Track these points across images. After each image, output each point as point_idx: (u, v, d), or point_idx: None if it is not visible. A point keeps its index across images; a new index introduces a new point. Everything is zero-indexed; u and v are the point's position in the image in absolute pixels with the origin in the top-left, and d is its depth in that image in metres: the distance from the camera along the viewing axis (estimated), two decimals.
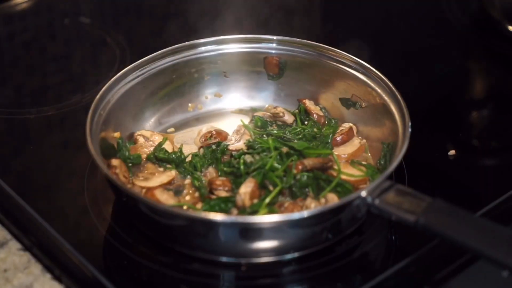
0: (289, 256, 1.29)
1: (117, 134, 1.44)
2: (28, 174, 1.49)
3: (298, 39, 1.53)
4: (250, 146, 1.42)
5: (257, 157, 1.38)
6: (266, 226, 1.22)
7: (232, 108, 1.59)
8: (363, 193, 1.22)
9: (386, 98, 1.42)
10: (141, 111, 1.51)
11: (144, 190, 1.37)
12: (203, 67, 1.56)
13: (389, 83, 1.42)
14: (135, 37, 1.88)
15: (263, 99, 1.59)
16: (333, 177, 1.36)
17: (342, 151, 1.46)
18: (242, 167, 1.37)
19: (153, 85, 1.52)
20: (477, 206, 1.39)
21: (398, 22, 1.98)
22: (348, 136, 1.47)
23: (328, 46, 1.51)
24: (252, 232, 1.24)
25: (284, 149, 1.39)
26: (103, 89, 1.42)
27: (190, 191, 1.39)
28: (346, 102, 1.52)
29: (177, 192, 1.38)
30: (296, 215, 1.21)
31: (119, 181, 1.30)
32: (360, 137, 1.49)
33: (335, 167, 1.39)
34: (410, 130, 1.32)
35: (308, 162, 1.37)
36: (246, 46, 1.56)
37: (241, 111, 1.58)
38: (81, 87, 1.72)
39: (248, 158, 1.38)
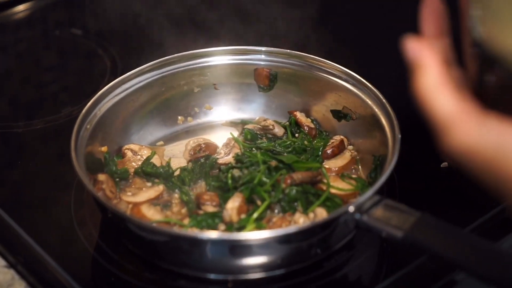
0: (277, 272, 1.26)
1: (104, 149, 1.42)
2: (14, 189, 1.48)
3: (287, 50, 1.52)
4: (238, 160, 1.40)
5: (245, 171, 1.36)
6: (252, 243, 1.20)
7: (222, 121, 1.58)
8: (351, 208, 1.20)
9: (376, 109, 1.40)
10: (129, 124, 1.50)
11: (130, 206, 1.35)
12: (192, 79, 1.54)
13: (379, 94, 1.40)
14: (127, 49, 1.86)
15: (253, 111, 1.57)
16: (322, 191, 1.34)
17: (333, 164, 1.44)
18: (230, 181, 1.35)
19: (142, 98, 1.50)
20: (469, 219, 1.36)
21: (387, 32, 1.94)
22: (339, 149, 1.45)
23: (317, 57, 1.49)
24: (238, 248, 1.22)
25: (273, 163, 1.38)
26: (90, 103, 1.40)
27: (178, 206, 1.37)
28: (337, 114, 1.50)
29: (165, 206, 1.36)
30: (282, 231, 1.19)
31: (104, 197, 1.28)
32: (351, 150, 1.46)
33: (325, 180, 1.37)
34: (399, 143, 1.30)
35: (297, 176, 1.35)
36: (235, 58, 1.54)
37: (231, 124, 1.56)
38: (71, 100, 1.69)
39: (236, 172, 1.36)
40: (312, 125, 1.50)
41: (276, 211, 1.33)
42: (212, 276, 1.26)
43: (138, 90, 1.49)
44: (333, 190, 1.36)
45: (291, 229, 1.19)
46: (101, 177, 1.37)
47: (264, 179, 1.34)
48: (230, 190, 1.34)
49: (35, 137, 1.59)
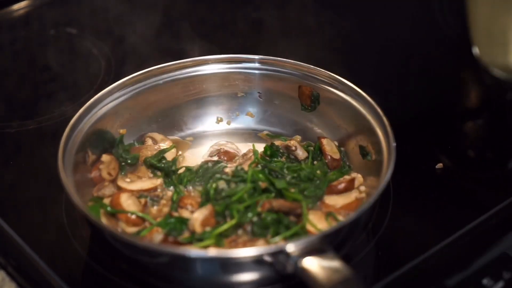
0: None
1: (122, 131, 1.46)
2: (5, 190, 1.46)
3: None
4: (235, 173, 1.36)
5: (233, 185, 1.33)
6: (180, 257, 1.18)
7: (259, 130, 1.54)
8: (289, 248, 1.13)
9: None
10: (161, 113, 1.51)
11: (114, 191, 1.37)
12: (236, 83, 1.52)
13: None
14: (121, 49, 1.83)
15: (292, 128, 1.52)
16: (295, 225, 1.28)
17: (333, 201, 1.35)
18: (212, 191, 1.33)
19: (179, 91, 1.51)
20: (465, 220, 1.35)
21: (382, 35, 1.86)
22: (346, 188, 1.36)
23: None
24: (181, 262, 1.20)
25: (263, 184, 1.33)
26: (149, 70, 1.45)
27: (165, 204, 1.37)
28: (363, 151, 1.41)
29: (154, 201, 1.37)
30: (192, 251, 1.18)
31: (75, 199, 1.24)
32: (362, 191, 1.37)
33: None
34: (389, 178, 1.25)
35: (277, 203, 1.30)
36: (279, 70, 1.49)
37: (266, 135, 1.52)
38: (65, 100, 1.65)
39: (221, 184, 1.33)
40: (336, 157, 1.43)
41: (248, 232, 1.29)
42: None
43: (177, 82, 1.49)
44: (310, 228, 1.28)
45: (202, 252, 1.17)
46: (105, 157, 1.41)
47: (245, 197, 1.30)
48: (209, 200, 1.32)
49: (28, 138, 1.57)
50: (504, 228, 1.34)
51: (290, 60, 1.48)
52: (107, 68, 1.74)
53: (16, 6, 1.98)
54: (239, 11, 1.94)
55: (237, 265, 1.18)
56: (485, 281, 1.23)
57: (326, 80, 1.45)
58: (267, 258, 1.15)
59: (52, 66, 1.79)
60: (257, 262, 1.16)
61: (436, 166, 1.46)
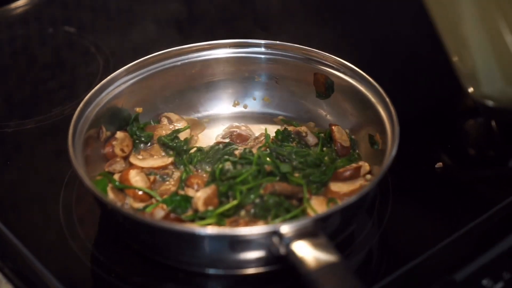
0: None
1: (139, 109, 1.49)
2: (3, 190, 1.45)
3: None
4: (242, 155, 1.39)
5: (239, 167, 1.36)
6: (178, 234, 1.20)
7: (274, 115, 1.55)
8: (283, 229, 1.15)
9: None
10: (179, 94, 1.54)
11: (124, 167, 1.41)
12: (254, 68, 1.54)
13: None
14: (120, 47, 1.83)
15: (307, 114, 1.54)
16: (295, 208, 1.30)
17: (338, 188, 1.37)
18: (217, 172, 1.35)
19: (196, 71, 1.54)
20: (465, 220, 1.35)
21: (383, 34, 1.85)
22: (352, 175, 1.37)
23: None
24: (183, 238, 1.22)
25: (268, 167, 1.35)
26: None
27: (174, 182, 1.40)
28: (371, 139, 1.41)
29: (163, 179, 1.40)
30: (195, 229, 1.19)
31: (81, 173, 1.25)
32: (368, 179, 1.38)
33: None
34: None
35: (279, 186, 1.32)
36: (297, 56, 1.51)
37: (281, 121, 1.54)
38: (62, 100, 1.65)
39: (228, 165, 1.36)
40: (346, 144, 1.44)
41: (250, 214, 1.31)
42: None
43: (194, 64, 1.52)
44: (310, 212, 1.30)
45: (202, 230, 1.19)
46: (119, 134, 1.44)
47: (250, 179, 1.33)
48: (215, 180, 1.34)
49: (26, 137, 1.56)
50: (504, 228, 1.33)
51: (307, 47, 1.50)
52: (105, 67, 1.74)
53: (14, 5, 1.98)
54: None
55: (232, 244, 1.19)
56: (484, 282, 1.23)
57: (340, 69, 1.46)
58: (259, 239, 1.16)
59: (51, 65, 1.79)
60: (251, 242, 1.18)
61: (436, 165, 1.45)
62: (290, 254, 1.14)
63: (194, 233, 1.18)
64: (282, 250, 1.15)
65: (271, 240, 1.16)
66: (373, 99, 1.40)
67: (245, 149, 1.41)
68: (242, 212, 1.31)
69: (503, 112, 1.36)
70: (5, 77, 1.77)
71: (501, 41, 1.20)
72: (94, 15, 1.97)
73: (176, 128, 1.50)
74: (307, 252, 1.13)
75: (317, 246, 1.14)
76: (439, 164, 1.45)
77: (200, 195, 1.31)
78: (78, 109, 1.36)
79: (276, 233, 1.15)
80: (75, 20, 1.94)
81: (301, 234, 1.15)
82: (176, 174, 1.41)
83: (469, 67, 1.24)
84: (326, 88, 1.49)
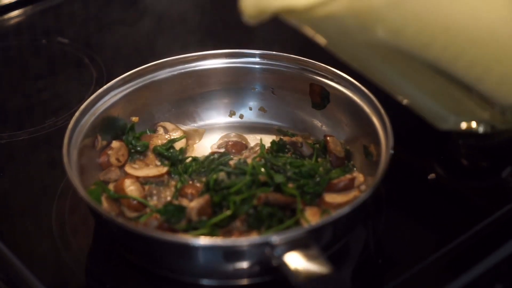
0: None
1: (135, 119, 1.49)
2: None
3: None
4: (236, 165, 1.39)
5: (233, 177, 1.36)
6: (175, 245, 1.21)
7: (271, 126, 1.56)
8: (275, 240, 1.15)
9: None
10: (175, 104, 1.55)
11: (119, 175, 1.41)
12: (250, 78, 1.55)
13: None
14: (113, 59, 1.83)
15: (303, 125, 1.54)
16: (288, 219, 1.30)
17: (332, 199, 1.37)
18: (212, 182, 1.35)
19: (192, 83, 1.54)
20: (457, 231, 1.35)
21: None
22: (346, 186, 1.38)
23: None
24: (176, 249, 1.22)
25: (262, 178, 1.35)
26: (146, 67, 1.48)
27: (169, 192, 1.40)
28: (366, 150, 1.42)
29: (158, 188, 1.40)
30: (188, 239, 1.20)
31: (75, 182, 1.26)
32: (362, 190, 1.38)
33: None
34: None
35: (273, 196, 1.32)
36: (293, 67, 1.51)
37: (277, 131, 1.54)
38: (55, 111, 1.64)
39: (222, 176, 1.36)
40: (341, 155, 1.44)
41: (244, 224, 1.31)
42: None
43: (191, 74, 1.53)
44: (304, 223, 1.30)
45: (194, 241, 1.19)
46: (115, 144, 1.45)
47: (244, 190, 1.33)
48: (209, 190, 1.35)
49: (19, 148, 1.56)
50: (498, 239, 1.33)
51: (302, 58, 1.50)
52: (99, 78, 1.74)
53: (7, 16, 1.99)
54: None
55: (224, 255, 1.20)
56: None
57: (335, 79, 1.46)
58: (252, 250, 1.17)
59: (44, 76, 1.79)
60: (243, 253, 1.19)
61: (429, 177, 1.45)
62: (282, 265, 1.14)
63: (187, 243, 1.18)
64: (274, 261, 1.15)
65: (263, 251, 1.16)
66: (367, 109, 1.40)
67: (239, 159, 1.41)
68: (236, 223, 1.31)
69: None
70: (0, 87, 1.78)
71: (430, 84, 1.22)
72: (87, 26, 1.98)
73: (172, 137, 1.50)
74: (298, 264, 1.13)
75: (309, 257, 1.14)
76: (431, 175, 1.45)
77: (193, 205, 1.31)
78: (74, 118, 1.37)
79: (268, 244, 1.15)
80: (68, 31, 1.94)
81: (293, 245, 1.15)
82: (171, 184, 1.41)
83: (417, 110, 1.27)
84: (321, 98, 1.49)
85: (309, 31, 1.20)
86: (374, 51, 1.16)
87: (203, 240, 1.20)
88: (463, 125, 1.24)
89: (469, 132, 1.25)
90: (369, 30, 1.13)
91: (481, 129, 1.24)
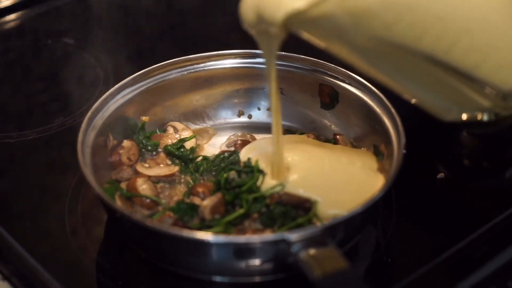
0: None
1: (145, 118, 1.50)
2: (7, 200, 1.45)
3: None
4: (245, 164, 1.40)
5: (243, 175, 1.37)
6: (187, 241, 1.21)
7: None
8: (292, 237, 1.16)
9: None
10: (185, 104, 1.56)
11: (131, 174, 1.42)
12: (259, 79, 1.55)
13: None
14: (120, 59, 1.82)
15: (314, 126, 1.55)
16: (301, 217, 1.31)
17: None
18: (223, 181, 1.36)
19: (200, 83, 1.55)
20: (467, 230, 1.35)
21: None
22: None
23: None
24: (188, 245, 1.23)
25: None
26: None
27: (181, 190, 1.41)
28: (376, 150, 1.43)
29: (169, 187, 1.41)
30: (199, 234, 1.20)
31: (91, 180, 1.27)
32: None
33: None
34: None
35: (286, 196, 1.33)
36: (302, 67, 1.52)
37: (287, 131, 1.54)
38: (64, 110, 1.64)
39: (232, 174, 1.37)
40: None
41: (257, 222, 1.32)
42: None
43: (200, 74, 1.53)
44: (317, 222, 1.31)
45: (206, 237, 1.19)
46: (126, 143, 1.45)
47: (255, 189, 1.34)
48: (221, 189, 1.35)
49: (27, 148, 1.56)
50: (508, 238, 1.34)
51: (311, 58, 1.50)
52: (106, 78, 1.74)
53: (12, 16, 1.99)
54: None
55: (240, 252, 1.20)
56: None
57: (345, 79, 1.47)
58: (268, 247, 1.17)
59: (50, 77, 1.79)
60: (259, 250, 1.19)
61: (438, 176, 1.46)
62: (299, 262, 1.14)
63: (206, 240, 1.19)
64: (290, 258, 1.16)
65: (280, 248, 1.16)
66: (378, 110, 1.41)
67: (249, 158, 1.42)
68: (249, 221, 1.32)
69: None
70: (3, 89, 1.78)
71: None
72: (94, 27, 1.98)
73: (182, 137, 1.50)
74: (316, 260, 1.13)
75: (326, 253, 1.14)
76: (441, 175, 1.46)
77: (207, 203, 1.32)
78: (87, 117, 1.37)
79: (284, 241, 1.16)
80: (74, 31, 1.94)
81: (310, 242, 1.16)
82: (183, 183, 1.42)
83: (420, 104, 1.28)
84: (331, 99, 1.50)
85: (306, 36, 1.21)
86: (370, 48, 1.18)
87: (223, 237, 1.20)
88: (466, 115, 1.25)
89: (474, 121, 1.26)
90: (362, 27, 1.14)
91: (485, 118, 1.24)
